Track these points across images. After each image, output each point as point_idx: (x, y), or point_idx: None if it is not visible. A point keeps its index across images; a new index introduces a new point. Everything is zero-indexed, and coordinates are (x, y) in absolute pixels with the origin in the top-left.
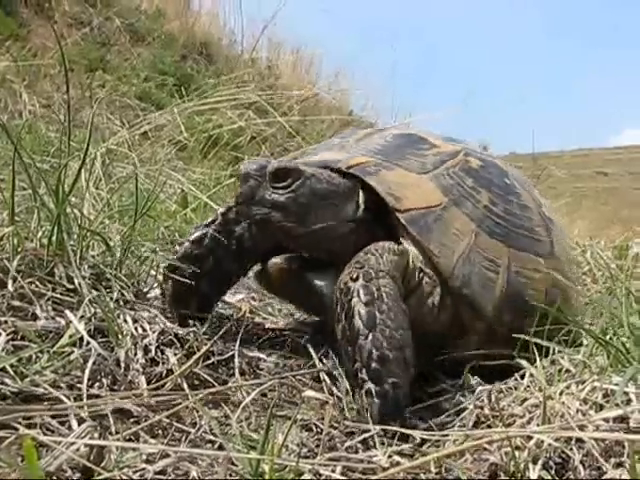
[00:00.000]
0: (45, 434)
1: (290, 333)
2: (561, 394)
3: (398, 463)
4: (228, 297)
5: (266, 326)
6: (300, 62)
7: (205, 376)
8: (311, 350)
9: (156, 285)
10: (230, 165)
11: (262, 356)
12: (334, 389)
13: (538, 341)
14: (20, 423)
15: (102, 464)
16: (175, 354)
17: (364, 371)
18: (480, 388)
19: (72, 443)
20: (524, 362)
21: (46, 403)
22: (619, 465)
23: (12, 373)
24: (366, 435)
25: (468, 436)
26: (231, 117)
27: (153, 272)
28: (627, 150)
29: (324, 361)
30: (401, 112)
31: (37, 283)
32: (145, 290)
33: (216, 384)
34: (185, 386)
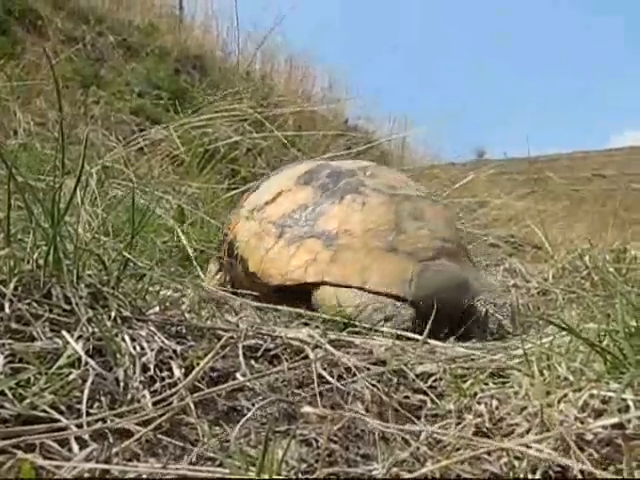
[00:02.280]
0: (45, 457)
1: (288, 347)
2: (559, 402)
3: (397, 475)
4: (227, 315)
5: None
6: (294, 72)
7: (204, 393)
8: (310, 365)
9: (155, 302)
10: (227, 178)
11: (261, 371)
12: (332, 403)
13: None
14: (20, 447)
15: None
16: (174, 371)
17: None
18: (479, 395)
19: (74, 467)
20: (522, 369)
21: (46, 425)
22: (618, 472)
23: (11, 396)
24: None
25: (467, 446)
26: (226, 131)
27: (151, 289)
28: (625, 151)
29: (322, 374)
30: (397, 120)
31: (34, 304)
32: (143, 307)
33: (216, 401)
34: (185, 402)
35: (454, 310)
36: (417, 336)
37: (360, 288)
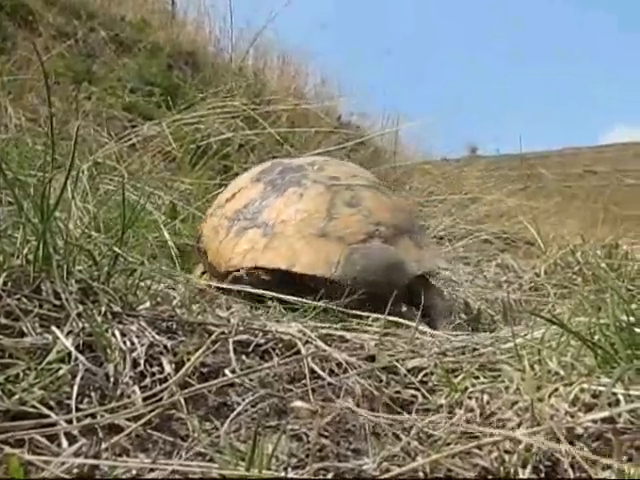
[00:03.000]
0: (34, 452)
1: (279, 343)
2: (550, 396)
3: (388, 470)
4: (218, 310)
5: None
6: (287, 69)
7: (195, 389)
8: (301, 360)
9: (145, 297)
10: (219, 174)
11: (252, 366)
12: (324, 398)
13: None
14: (9, 443)
15: None
16: (165, 366)
17: None
18: (470, 390)
19: (62, 462)
20: (513, 364)
21: (35, 421)
22: (608, 467)
23: (0, 392)
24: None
25: (458, 440)
26: (219, 127)
27: (142, 284)
28: (616, 148)
29: (314, 370)
30: (390, 117)
31: (24, 300)
32: (134, 303)
33: (206, 396)
34: (175, 398)
35: (387, 290)
36: (410, 323)
37: (288, 271)
